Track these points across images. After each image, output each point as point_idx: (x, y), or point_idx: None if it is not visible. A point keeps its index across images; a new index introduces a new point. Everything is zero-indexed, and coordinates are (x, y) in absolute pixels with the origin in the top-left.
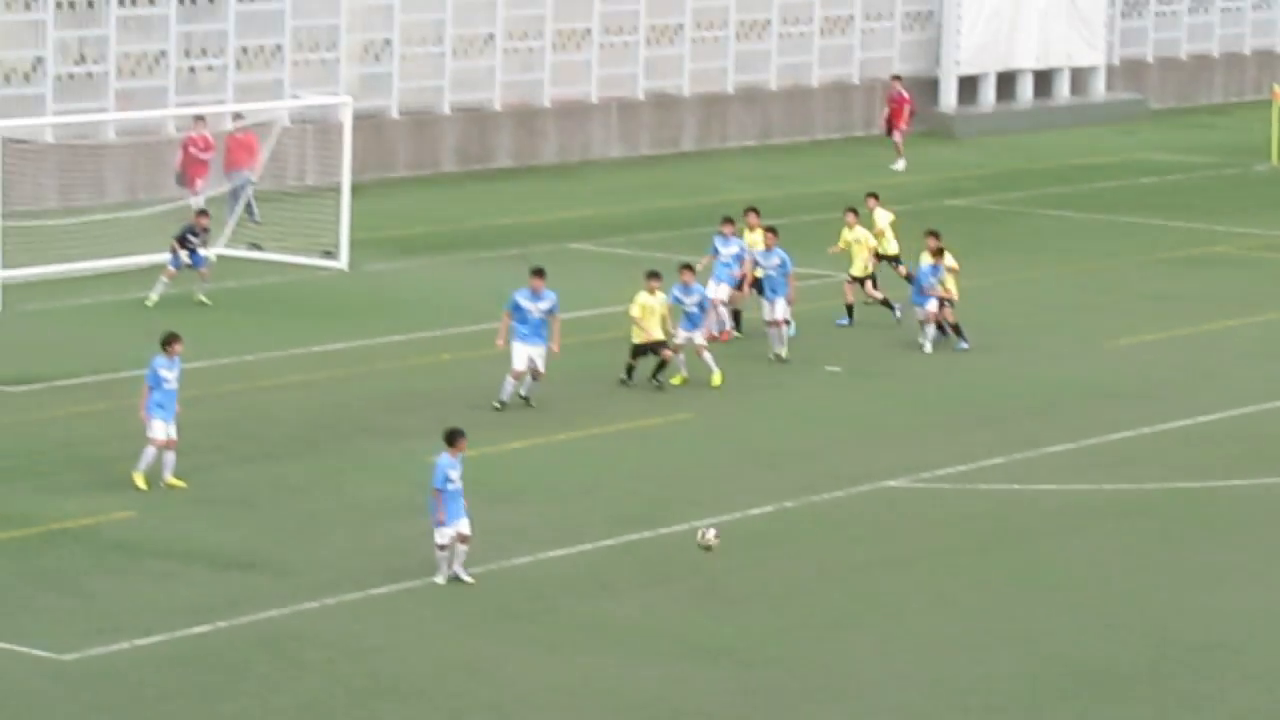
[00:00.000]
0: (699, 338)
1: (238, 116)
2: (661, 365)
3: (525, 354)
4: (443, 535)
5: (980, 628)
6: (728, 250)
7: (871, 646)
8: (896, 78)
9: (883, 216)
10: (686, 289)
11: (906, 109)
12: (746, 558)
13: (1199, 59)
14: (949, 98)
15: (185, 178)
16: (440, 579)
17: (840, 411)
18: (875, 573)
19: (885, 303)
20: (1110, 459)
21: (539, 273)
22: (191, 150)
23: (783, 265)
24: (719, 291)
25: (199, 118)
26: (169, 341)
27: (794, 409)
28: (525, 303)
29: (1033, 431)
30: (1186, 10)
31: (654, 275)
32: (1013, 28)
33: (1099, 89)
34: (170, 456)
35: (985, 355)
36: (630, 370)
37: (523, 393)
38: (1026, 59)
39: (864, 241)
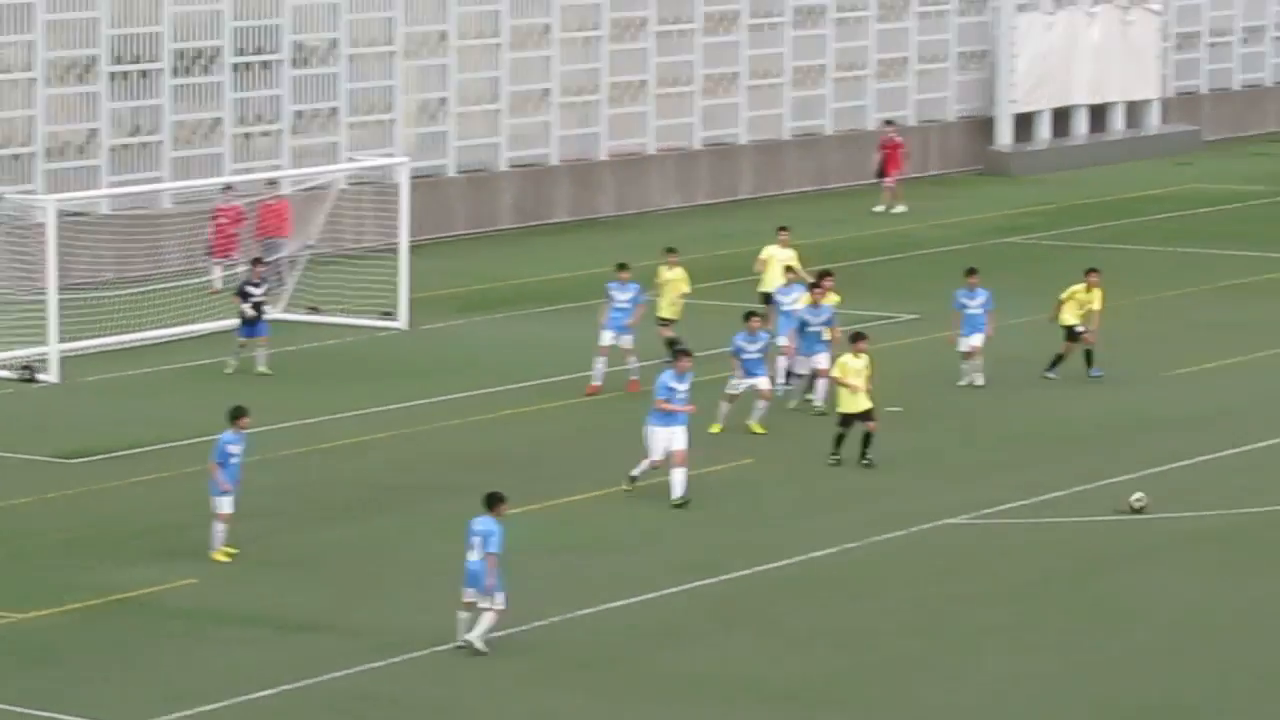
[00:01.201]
0: (762, 384)
1: (271, 183)
2: (869, 440)
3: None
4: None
5: (1047, 662)
6: (623, 296)
7: (939, 685)
8: (889, 123)
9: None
10: (751, 337)
11: (900, 153)
12: (811, 600)
13: (1252, 89)
14: (1004, 136)
15: (216, 248)
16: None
17: (902, 451)
18: (941, 611)
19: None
20: (1173, 488)
21: (683, 353)
22: (221, 220)
23: (828, 321)
24: (605, 339)
25: (227, 188)
26: (237, 416)
27: (856, 451)
28: (672, 384)
29: (1094, 463)
30: (1239, 41)
31: (859, 337)
32: (1066, 64)
33: (1153, 122)
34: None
35: (1046, 389)
36: (839, 441)
37: (636, 472)
38: (1081, 94)
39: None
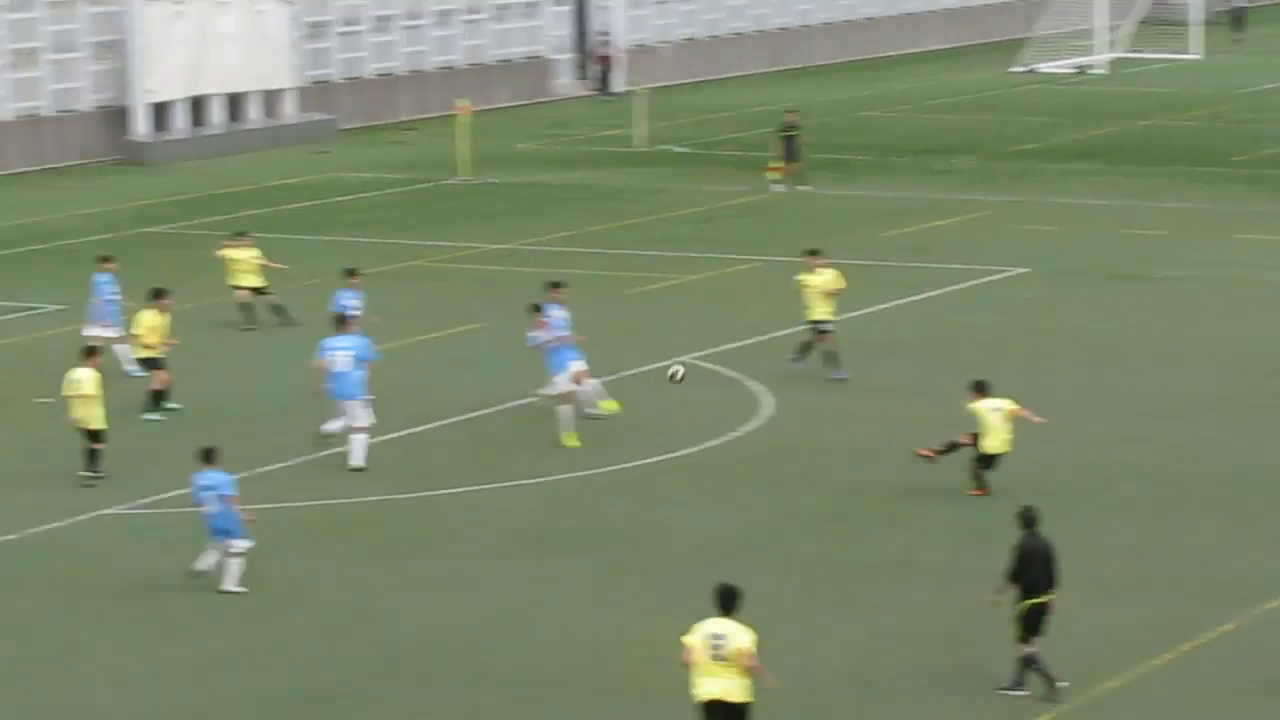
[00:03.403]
0: None
1: None
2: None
3: None
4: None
5: (209, 649)
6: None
7: (104, 675)
8: None
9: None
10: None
11: None
12: None
13: (384, 77)
14: (141, 125)
15: None
16: None
17: (58, 438)
18: (103, 601)
19: None
20: (326, 475)
21: None
22: None
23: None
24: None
25: None
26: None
27: (14, 442)
28: None
29: (244, 454)
30: (370, 30)
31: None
32: (202, 53)
33: (290, 110)
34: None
35: (186, 378)
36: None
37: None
38: (216, 84)
39: None
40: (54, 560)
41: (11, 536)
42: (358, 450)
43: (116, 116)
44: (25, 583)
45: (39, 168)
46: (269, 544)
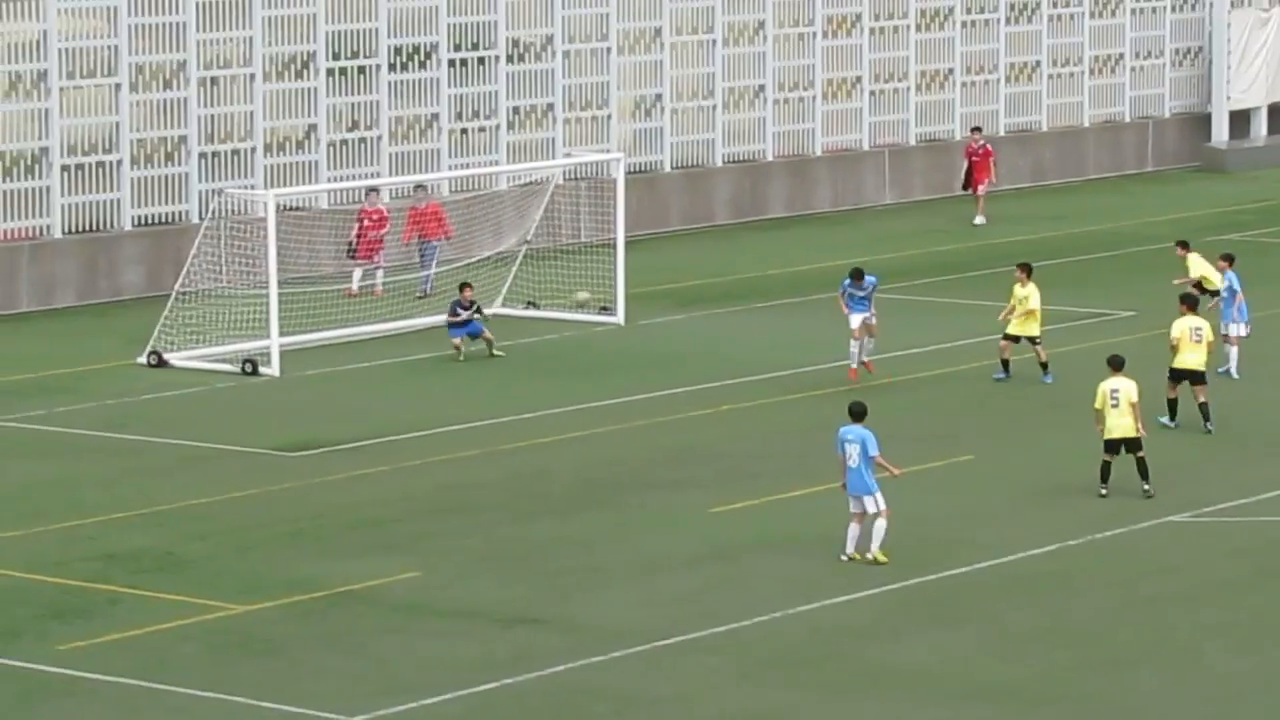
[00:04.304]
0: None
1: (419, 188)
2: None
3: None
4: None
5: (1270, 662)
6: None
7: (1161, 683)
8: (976, 129)
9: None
10: None
11: (990, 161)
12: (1032, 597)
13: None
14: (1221, 133)
15: (359, 251)
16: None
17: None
18: (1162, 609)
19: None
20: None
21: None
22: (366, 223)
23: None
24: (853, 321)
25: (372, 190)
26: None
27: (1074, 447)
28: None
29: None
30: None
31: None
32: None
33: None
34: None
35: (1265, 387)
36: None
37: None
38: None
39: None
40: (1116, 565)
41: (1076, 541)
42: None
43: (1196, 123)
44: (1087, 587)
45: (1117, 174)
46: None
